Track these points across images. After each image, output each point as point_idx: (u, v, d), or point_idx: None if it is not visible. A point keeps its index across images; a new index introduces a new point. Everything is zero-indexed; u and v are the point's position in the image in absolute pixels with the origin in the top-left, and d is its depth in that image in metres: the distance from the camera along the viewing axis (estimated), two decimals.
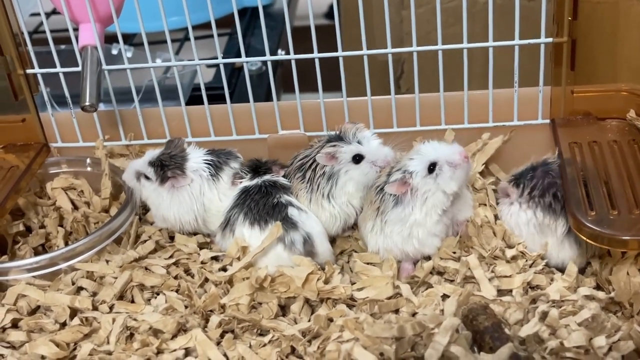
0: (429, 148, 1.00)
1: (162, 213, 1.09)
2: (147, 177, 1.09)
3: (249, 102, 1.17)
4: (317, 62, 1.12)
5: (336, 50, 1.12)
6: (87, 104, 1.08)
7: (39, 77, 1.18)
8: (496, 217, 1.04)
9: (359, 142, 1.03)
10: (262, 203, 1.03)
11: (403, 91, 1.63)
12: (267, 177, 1.08)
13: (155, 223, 1.13)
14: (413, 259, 1.03)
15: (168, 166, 1.07)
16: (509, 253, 0.98)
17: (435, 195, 0.99)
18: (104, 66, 1.14)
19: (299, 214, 1.03)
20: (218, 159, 1.10)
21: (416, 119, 1.15)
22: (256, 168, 1.09)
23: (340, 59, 1.12)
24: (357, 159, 1.03)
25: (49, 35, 1.14)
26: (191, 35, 1.12)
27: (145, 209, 1.16)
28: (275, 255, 1.00)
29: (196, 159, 1.09)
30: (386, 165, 1.03)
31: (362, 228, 1.06)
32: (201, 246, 1.10)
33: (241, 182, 1.08)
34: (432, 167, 0.98)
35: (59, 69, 1.17)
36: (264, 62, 1.61)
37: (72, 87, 1.19)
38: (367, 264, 1.03)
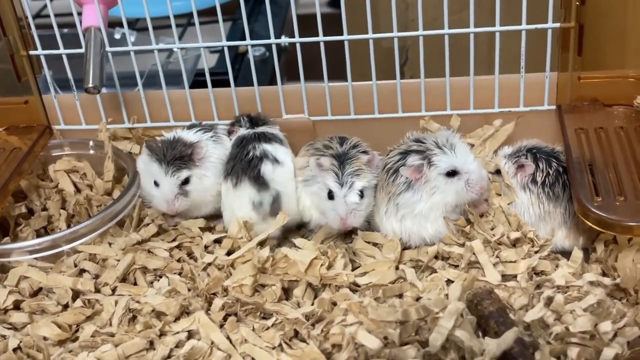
0: (463, 153, 0.99)
1: (214, 189, 1.08)
2: (186, 181, 1.06)
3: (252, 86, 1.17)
4: (322, 45, 1.11)
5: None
6: (90, 85, 1.07)
7: (42, 59, 1.18)
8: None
9: (339, 179, 0.99)
10: (240, 157, 1.04)
11: (407, 78, 1.62)
12: (260, 128, 1.09)
13: (177, 220, 1.11)
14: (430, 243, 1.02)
15: (180, 152, 1.06)
16: (513, 235, 0.98)
17: (439, 194, 0.99)
18: (108, 48, 1.13)
19: (273, 170, 1.03)
20: (202, 127, 1.12)
21: (422, 104, 1.14)
22: (254, 120, 1.11)
23: (346, 43, 1.11)
24: (330, 194, 1.00)
25: (52, 16, 1.14)
26: (196, 19, 1.12)
27: None
28: (244, 213, 1.03)
29: (187, 134, 1.09)
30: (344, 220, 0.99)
31: (375, 215, 1.04)
32: (204, 230, 1.09)
33: (239, 130, 1.10)
34: (452, 173, 0.98)
35: (62, 50, 1.16)
36: (267, 49, 1.61)
37: (75, 71, 1.18)
38: (371, 243, 1.03)
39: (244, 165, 1.03)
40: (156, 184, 1.06)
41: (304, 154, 1.07)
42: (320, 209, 1.03)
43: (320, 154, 1.03)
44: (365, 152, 1.03)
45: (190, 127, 1.12)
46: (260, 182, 1.02)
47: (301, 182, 1.05)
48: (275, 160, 1.04)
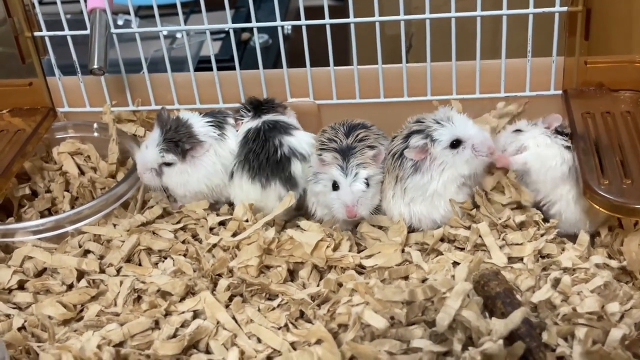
0: (461, 122, 0.98)
1: (193, 188, 1.06)
2: (168, 164, 1.05)
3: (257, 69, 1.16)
4: (328, 28, 1.11)
5: (344, 29, 1.11)
6: (95, 66, 1.07)
7: (47, 41, 1.17)
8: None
9: (344, 170, 0.98)
10: (264, 156, 1.02)
11: None
12: (268, 117, 1.07)
13: (181, 204, 1.10)
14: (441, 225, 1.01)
15: (181, 140, 1.04)
16: (518, 219, 0.97)
17: (451, 169, 0.98)
18: (113, 30, 1.13)
19: (302, 168, 1.02)
20: (216, 118, 1.09)
21: (427, 88, 1.14)
22: (258, 106, 1.08)
23: (352, 26, 1.11)
24: (335, 185, 0.98)
25: None
26: (202, 1, 1.11)
27: None
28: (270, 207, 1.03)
29: (199, 123, 1.07)
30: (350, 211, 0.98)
31: (383, 200, 1.02)
32: (208, 212, 1.08)
33: (242, 122, 1.08)
34: (455, 143, 0.97)
35: (66, 32, 1.15)
36: (270, 36, 1.60)
37: (79, 54, 1.18)
38: (377, 226, 1.02)
39: (272, 165, 1.02)
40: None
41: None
42: (325, 204, 1.01)
43: (324, 147, 1.01)
44: (371, 147, 1.00)
45: (206, 114, 1.10)
46: (291, 183, 1.02)
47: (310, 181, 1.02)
48: (302, 157, 1.03)
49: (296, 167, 1.02)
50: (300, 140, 1.05)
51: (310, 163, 1.02)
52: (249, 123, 1.07)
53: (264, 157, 1.02)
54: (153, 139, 1.06)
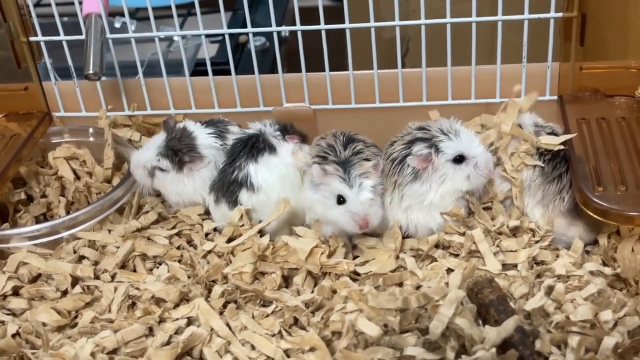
0: (468, 138, 0.98)
1: (188, 197, 1.07)
2: (162, 169, 1.05)
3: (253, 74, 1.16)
4: (323, 33, 1.11)
5: (341, 31, 1.11)
6: (90, 72, 1.07)
7: (42, 46, 1.17)
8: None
9: (347, 182, 0.95)
10: (224, 174, 1.03)
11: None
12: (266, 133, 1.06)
13: (173, 208, 1.10)
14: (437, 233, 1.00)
15: (181, 150, 1.04)
16: (512, 224, 0.97)
17: (450, 182, 0.98)
18: (108, 35, 1.13)
19: (248, 199, 1.01)
20: (218, 128, 1.09)
21: (423, 93, 1.14)
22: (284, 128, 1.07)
23: (347, 31, 1.11)
24: (339, 199, 0.96)
25: (53, 3, 1.13)
26: (197, 6, 1.11)
27: None
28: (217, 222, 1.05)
29: (203, 135, 1.07)
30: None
31: None
32: (203, 217, 1.08)
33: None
34: (459, 158, 0.97)
35: (62, 36, 1.15)
36: (268, 39, 1.61)
37: (75, 58, 1.18)
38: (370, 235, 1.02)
39: (225, 185, 1.03)
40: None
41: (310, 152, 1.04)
42: (327, 219, 0.98)
43: (323, 155, 0.99)
44: (367, 160, 0.98)
45: (208, 124, 1.10)
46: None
47: (308, 190, 0.99)
48: (252, 187, 1.01)
49: (242, 196, 1.01)
50: (258, 170, 1.02)
51: (312, 173, 0.98)
52: (250, 129, 1.08)
53: (223, 175, 1.03)
54: (155, 141, 1.06)
